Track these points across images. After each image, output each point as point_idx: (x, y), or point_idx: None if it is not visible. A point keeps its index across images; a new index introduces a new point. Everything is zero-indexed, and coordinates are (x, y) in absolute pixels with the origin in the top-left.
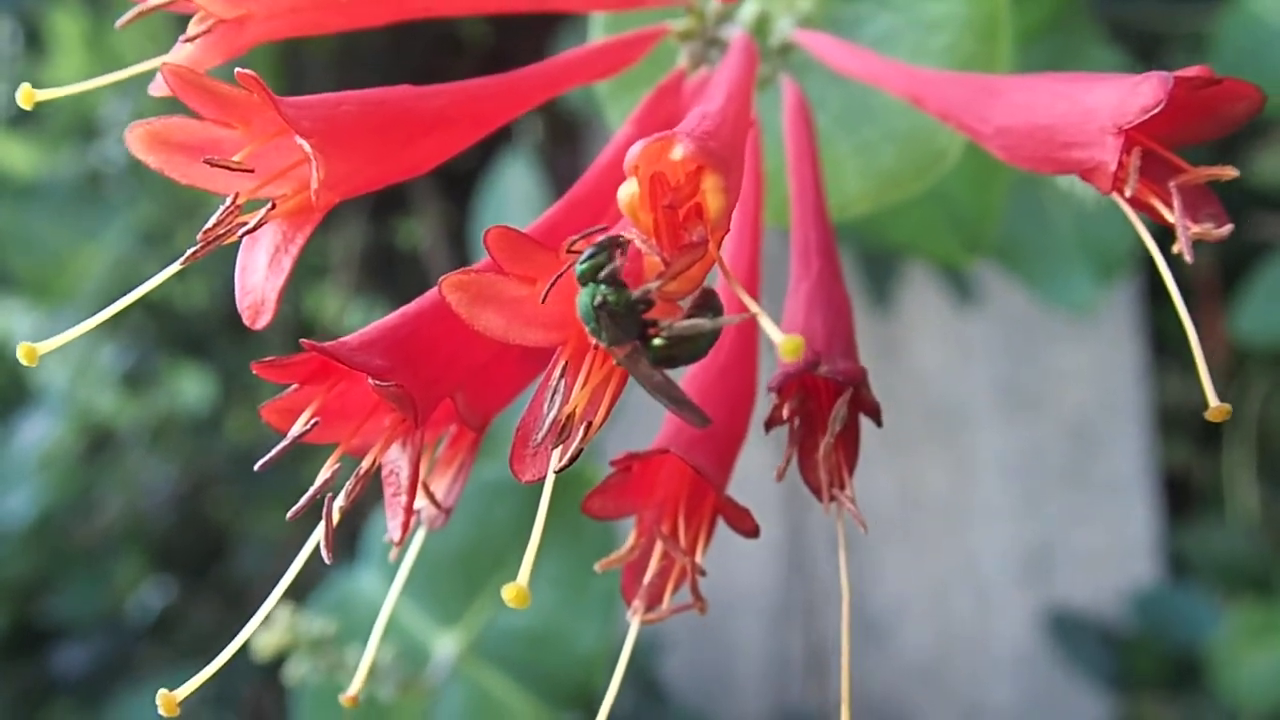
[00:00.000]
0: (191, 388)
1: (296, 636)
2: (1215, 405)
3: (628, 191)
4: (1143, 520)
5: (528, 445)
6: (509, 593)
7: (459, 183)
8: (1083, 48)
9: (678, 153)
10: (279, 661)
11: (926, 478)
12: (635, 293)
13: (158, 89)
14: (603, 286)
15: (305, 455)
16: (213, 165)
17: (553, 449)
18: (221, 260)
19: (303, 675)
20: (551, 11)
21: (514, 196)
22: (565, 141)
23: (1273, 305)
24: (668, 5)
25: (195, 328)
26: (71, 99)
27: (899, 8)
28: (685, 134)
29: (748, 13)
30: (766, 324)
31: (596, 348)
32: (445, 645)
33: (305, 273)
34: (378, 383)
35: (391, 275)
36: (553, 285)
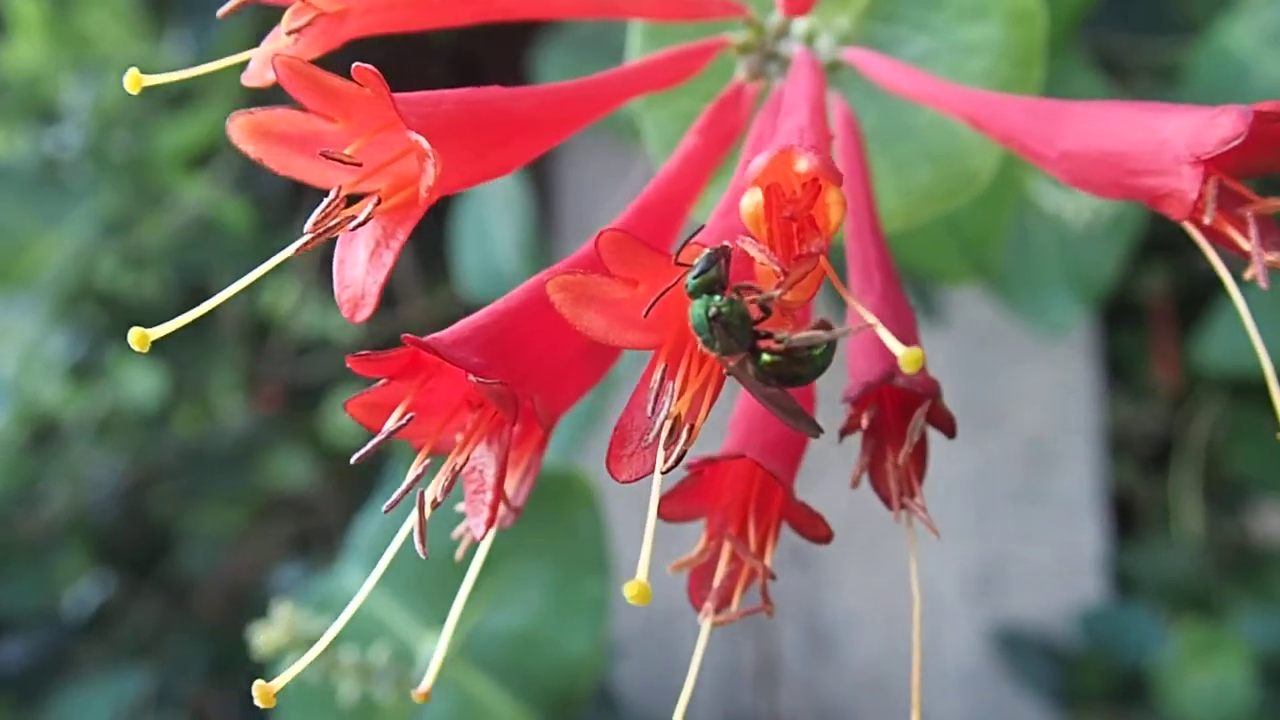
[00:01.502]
0: (140, 381)
1: (296, 636)
2: None
3: (752, 201)
4: (1091, 539)
5: (625, 446)
6: (631, 590)
7: None
8: (1071, 72)
9: (802, 165)
10: (221, 663)
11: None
12: (757, 299)
13: (252, 78)
14: (717, 298)
15: (256, 457)
16: (327, 158)
17: (660, 450)
18: (174, 252)
19: (300, 674)
20: (615, 16)
21: (495, 200)
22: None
23: (1237, 333)
24: (723, 18)
25: (146, 320)
26: (29, 82)
27: (936, 30)
28: (806, 148)
29: (800, 29)
30: (885, 335)
31: (693, 352)
32: (432, 648)
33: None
34: (480, 380)
35: None
36: (662, 295)
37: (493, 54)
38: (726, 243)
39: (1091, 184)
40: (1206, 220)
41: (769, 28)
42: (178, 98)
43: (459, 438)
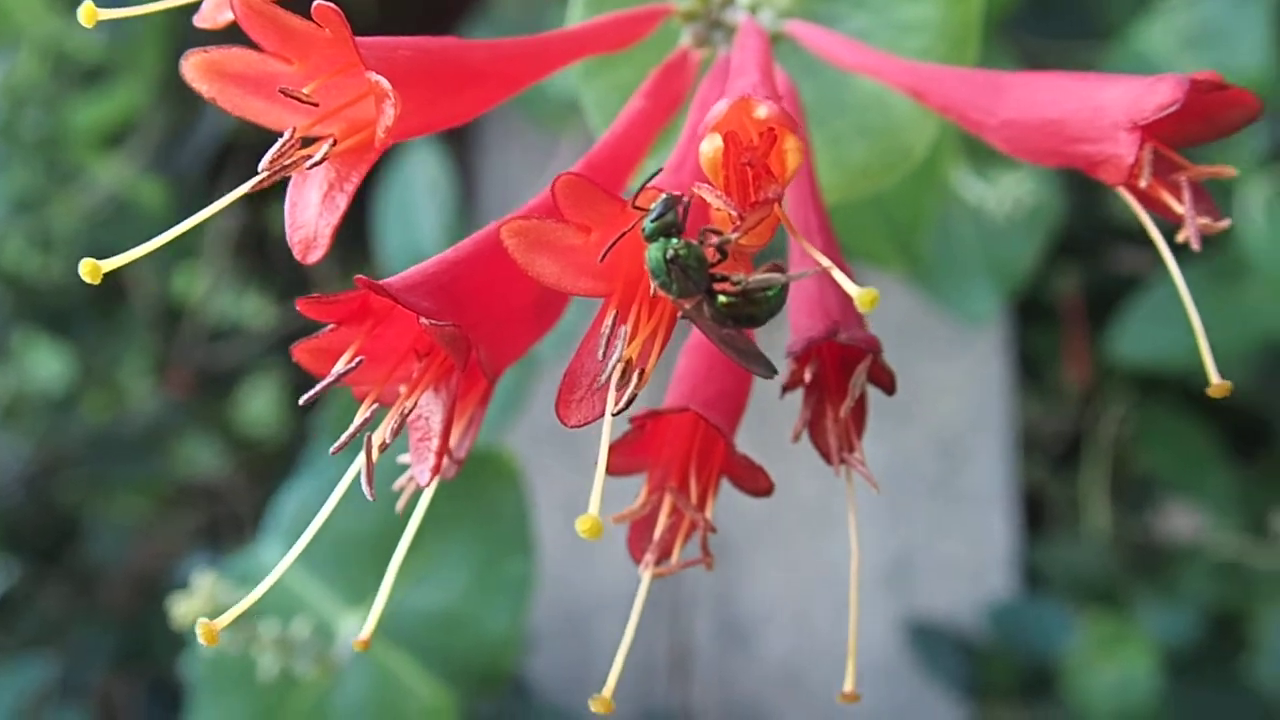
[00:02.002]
0: (47, 364)
1: (216, 607)
2: (1217, 383)
3: (712, 146)
4: (1001, 534)
5: (575, 392)
6: (583, 524)
7: None
8: (1002, 67)
9: (761, 112)
10: (127, 653)
11: (796, 484)
12: (714, 241)
13: (205, 19)
14: (674, 241)
15: (165, 444)
16: (285, 95)
17: (612, 391)
18: (86, 233)
19: (219, 646)
20: None
21: (419, 184)
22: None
23: (1150, 328)
24: None
25: (54, 303)
26: None
27: (874, 9)
28: (765, 97)
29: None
30: (840, 277)
31: (643, 299)
32: (351, 625)
33: (173, 253)
34: (433, 322)
35: (264, 259)
36: (617, 241)
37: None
38: (691, 189)
39: (1031, 151)
40: (1142, 184)
41: None
42: (91, 75)
43: (403, 389)
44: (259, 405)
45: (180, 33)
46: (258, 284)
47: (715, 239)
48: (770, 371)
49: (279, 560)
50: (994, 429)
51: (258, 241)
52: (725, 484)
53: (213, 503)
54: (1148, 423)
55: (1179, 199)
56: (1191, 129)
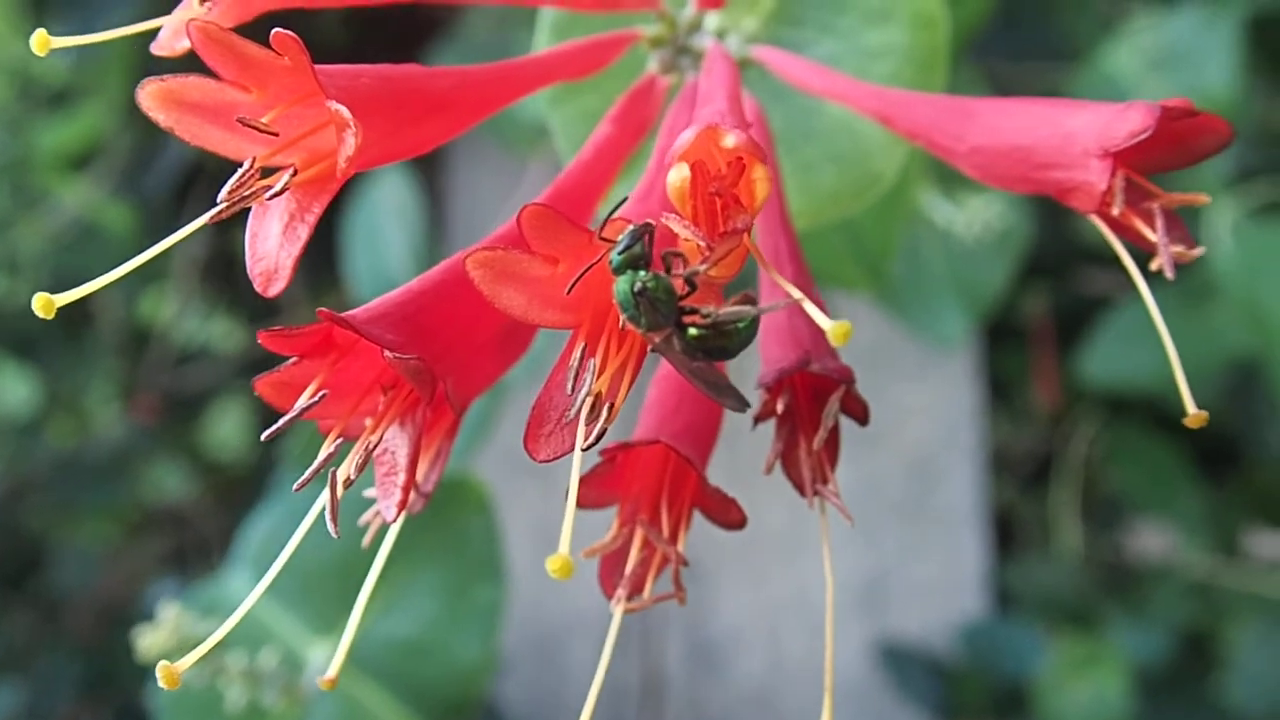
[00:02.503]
0: (13, 389)
1: (182, 639)
2: (1194, 413)
3: (679, 176)
4: (973, 555)
5: (544, 426)
6: (554, 564)
7: None
8: (960, 92)
9: (729, 141)
10: (94, 681)
11: (767, 507)
12: (683, 273)
13: (162, 46)
14: (642, 273)
15: (132, 469)
16: (244, 125)
17: (581, 426)
18: (52, 256)
19: (184, 678)
20: (531, 3)
21: (387, 208)
22: (427, 156)
23: (1119, 348)
24: (637, 9)
25: (20, 326)
26: None
27: (842, 34)
28: (732, 126)
29: (712, 25)
30: (811, 309)
31: (611, 331)
32: (320, 655)
33: (140, 277)
34: (397, 356)
35: (232, 282)
36: (585, 273)
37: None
38: (656, 220)
39: (1000, 178)
40: (1115, 211)
41: (681, 22)
42: (58, 98)
43: (368, 422)
44: (226, 429)
45: (147, 56)
46: (226, 307)
47: (683, 270)
48: (742, 405)
49: (246, 589)
50: (965, 450)
51: (226, 265)
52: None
53: (180, 528)
54: (1117, 443)
55: (1151, 226)
56: (1162, 155)
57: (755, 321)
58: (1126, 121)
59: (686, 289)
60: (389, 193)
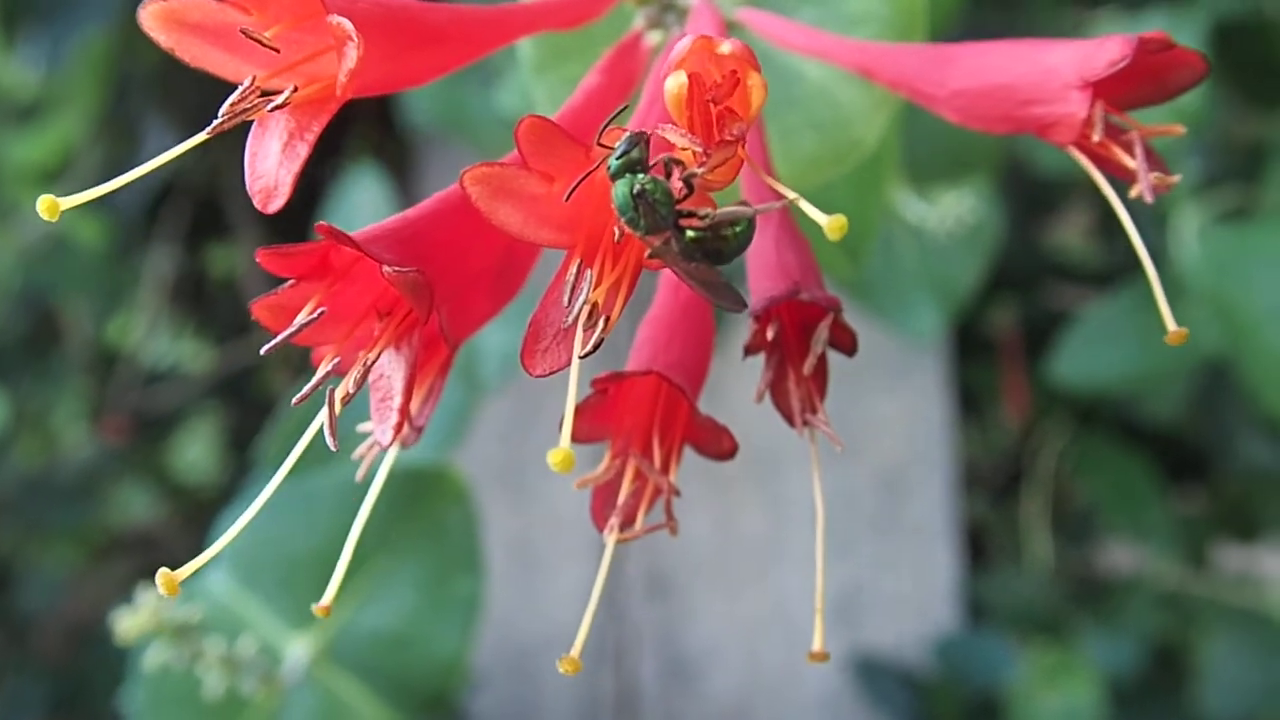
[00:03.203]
0: None
1: (161, 622)
2: (1174, 329)
3: (676, 83)
4: (945, 567)
5: (540, 341)
6: (555, 457)
7: (280, 210)
8: None
9: (725, 48)
10: (61, 704)
11: (741, 520)
12: (681, 175)
13: None
14: (640, 176)
15: (100, 490)
16: (248, 36)
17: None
18: (21, 272)
19: (163, 663)
20: None
21: (363, 210)
22: (399, 160)
23: (1089, 350)
24: None
25: None
26: None
27: (822, 2)
28: (726, 36)
29: None
30: (807, 207)
31: (606, 250)
32: (297, 648)
33: (108, 298)
34: (397, 270)
35: (201, 303)
36: (583, 180)
37: None
38: (656, 128)
39: (982, 118)
40: (1095, 138)
41: None
42: (28, 110)
43: (363, 354)
44: (196, 450)
45: (119, 76)
46: (195, 327)
47: (682, 172)
48: (740, 304)
49: (221, 582)
50: (936, 463)
51: (195, 284)
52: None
53: (148, 550)
54: (1086, 455)
55: (1131, 155)
56: (1140, 90)
57: (751, 223)
58: (1105, 51)
59: (684, 192)
60: (364, 193)
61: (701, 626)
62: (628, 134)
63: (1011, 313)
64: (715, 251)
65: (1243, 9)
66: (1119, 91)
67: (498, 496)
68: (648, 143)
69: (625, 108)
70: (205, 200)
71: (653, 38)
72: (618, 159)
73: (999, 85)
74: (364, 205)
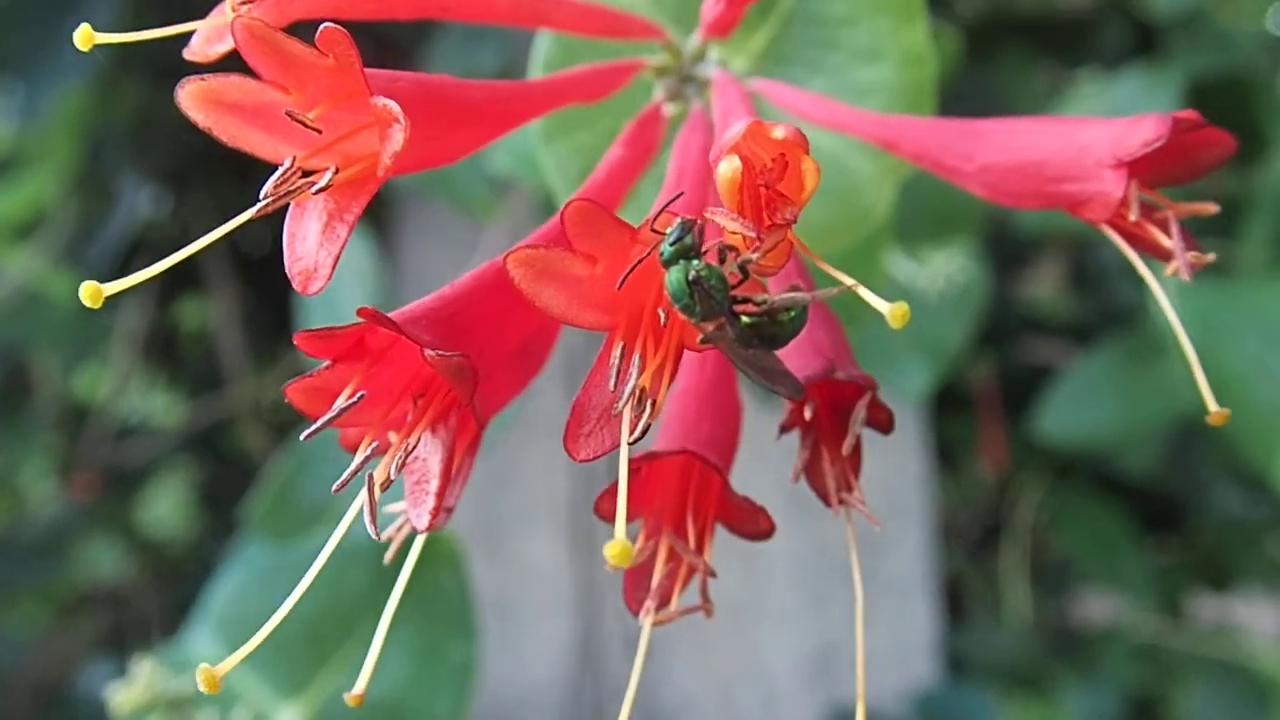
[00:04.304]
0: None
1: (156, 695)
2: (1215, 410)
3: (730, 167)
4: (924, 622)
5: (583, 425)
6: (613, 550)
7: (253, 264)
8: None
9: (778, 133)
10: None
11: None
12: (737, 262)
13: (195, 52)
14: (695, 262)
15: (63, 544)
16: (293, 118)
17: (626, 421)
18: None
19: None
20: (543, 26)
21: (346, 270)
22: (376, 216)
23: (1073, 406)
24: (643, 39)
25: None
26: None
27: (832, 72)
28: (775, 124)
29: (716, 54)
30: (866, 294)
31: (647, 332)
32: (287, 718)
33: (78, 351)
34: (441, 354)
35: (172, 357)
36: (636, 266)
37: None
38: (706, 214)
39: (1011, 194)
40: (1132, 218)
41: (686, 51)
42: (2, 165)
43: (393, 436)
44: (165, 506)
45: (94, 131)
46: (166, 381)
47: (737, 258)
48: (798, 391)
49: (209, 649)
50: (913, 518)
51: (167, 339)
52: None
53: (117, 608)
54: (1062, 508)
55: (1166, 234)
56: (1170, 169)
57: (806, 309)
58: (1139, 131)
59: (739, 278)
60: (348, 256)
61: (678, 681)
62: (680, 220)
63: (988, 366)
64: (770, 337)
65: (1216, 67)
66: (1150, 169)
67: (474, 553)
68: (702, 229)
69: (679, 195)
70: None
71: (670, 109)
72: (671, 245)
73: (1030, 162)
74: (347, 264)
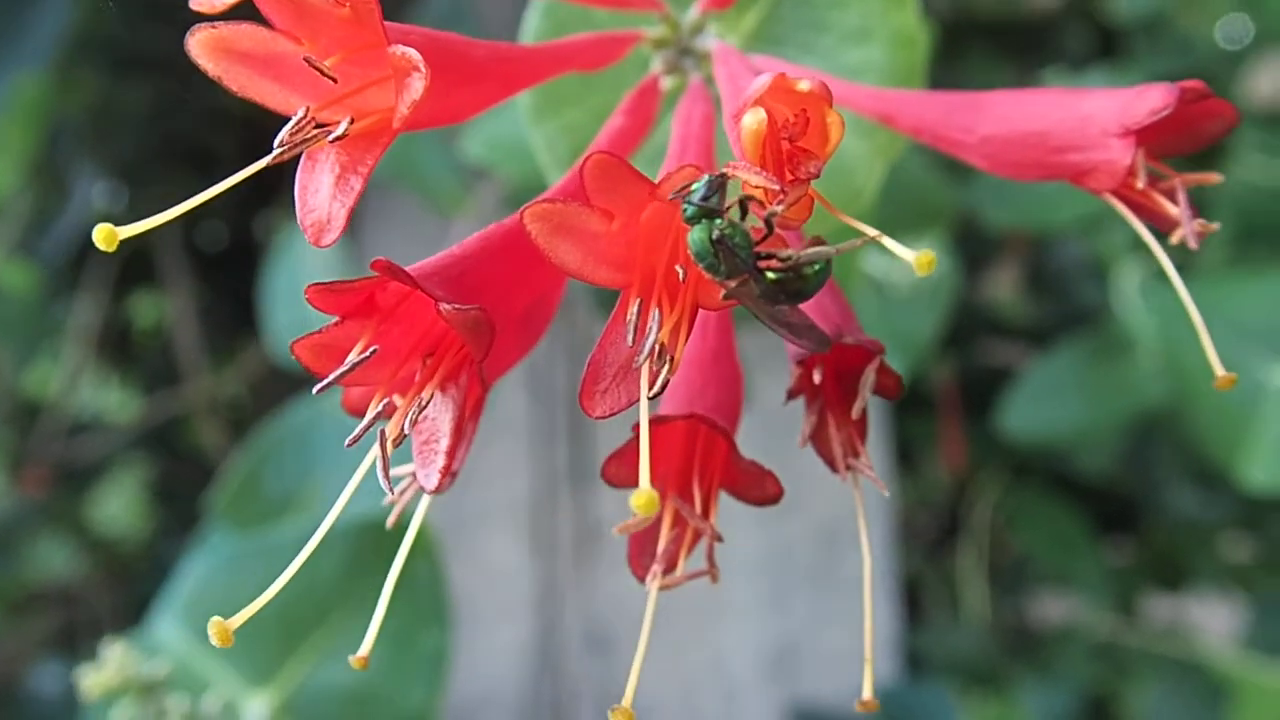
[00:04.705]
0: None
1: (127, 678)
2: (1222, 374)
3: (755, 120)
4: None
5: (600, 382)
6: (639, 499)
7: (210, 260)
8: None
9: (804, 85)
10: None
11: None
12: (764, 215)
13: (202, 1)
14: (719, 220)
15: (14, 542)
16: (310, 65)
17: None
18: None
19: None
20: None
21: (312, 260)
22: None
23: (1036, 404)
24: (641, 10)
25: None
26: None
27: (822, 53)
28: (800, 78)
29: (715, 28)
30: (890, 244)
31: (661, 291)
32: (256, 706)
33: (30, 345)
34: (457, 307)
35: (127, 353)
36: (645, 220)
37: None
38: (724, 171)
39: (1013, 166)
40: (1140, 185)
41: (684, 24)
42: None
43: (397, 399)
44: (118, 503)
45: (53, 121)
46: (121, 377)
47: (763, 212)
48: (825, 344)
49: (174, 637)
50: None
51: (121, 334)
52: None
53: (68, 606)
54: (1020, 508)
55: (1173, 202)
56: (1173, 139)
57: (829, 263)
58: (1146, 100)
59: (762, 234)
60: (312, 247)
61: (642, 680)
62: (706, 178)
63: (948, 366)
64: (796, 292)
65: (1180, 68)
66: (1154, 140)
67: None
68: (724, 184)
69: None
70: (134, 249)
71: (667, 83)
72: (698, 203)
73: (1032, 132)
74: (309, 255)
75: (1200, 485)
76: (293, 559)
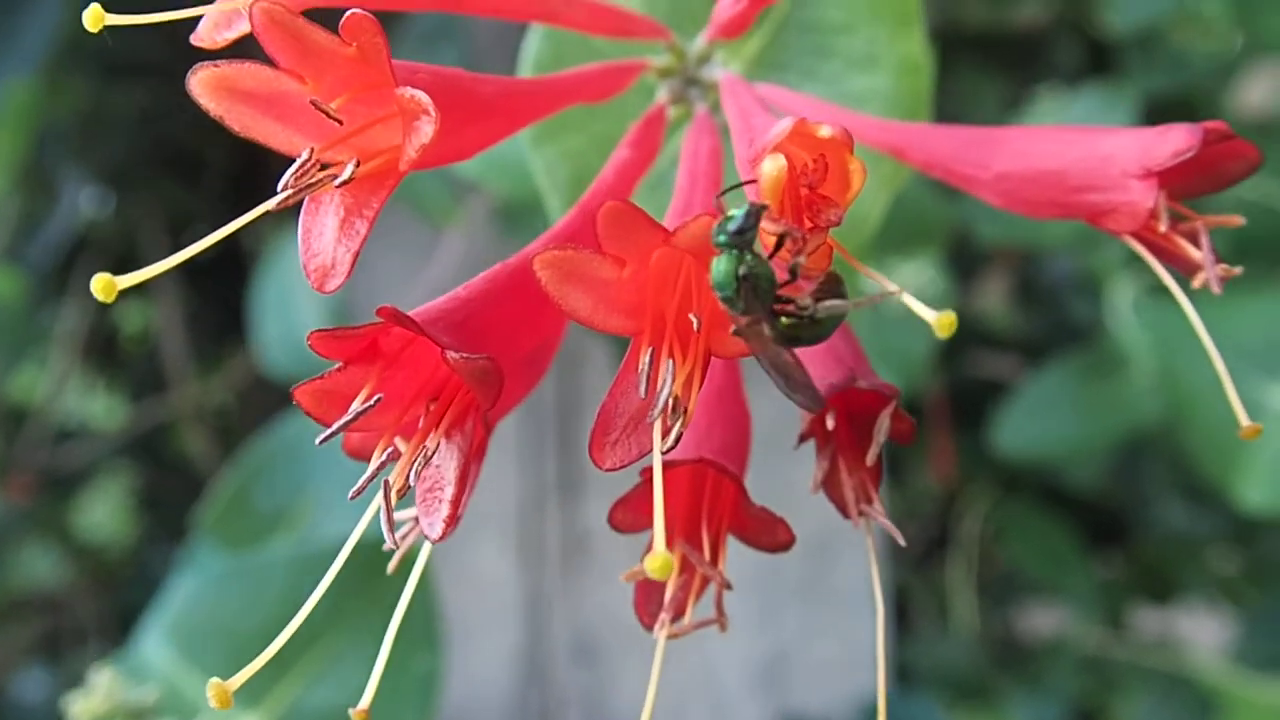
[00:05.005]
0: None
1: (115, 705)
2: (1247, 424)
3: (775, 166)
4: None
5: (609, 433)
6: (653, 562)
7: (197, 268)
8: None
9: (825, 131)
10: None
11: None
12: (790, 262)
13: (202, 38)
14: (749, 257)
15: (3, 554)
16: (316, 107)
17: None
18: None
19: None
20: (550, 22)
21: (301, 274)
22: None
23: (1029, 421)
24: (647, 39)
25: None
26: None
27: (826, 80)
28: (821, 123)
29: (721, 57)
30: (910, 301)
31: (671, 340)
32: None
33: (15, 351)
34: (465, 356)
35: (113, 359)
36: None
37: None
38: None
39: (1028, 204)
40: (1162, 228)
41: (690, 54)
42: None
43: (400, 443)
44: (103, 510)
45: (41, 126)
46: (107, 384)
47: (790, 259)
48: (819, 403)
49: (161, 656)
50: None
51: (107, 341)
52: None
53: (53, 614)
54: (1008, 521)
55: (1195, 245)
56: (1194, 181)
57: (842, 316)
58: (1169, 142)
59: (786, 278)
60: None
61: (629, 692)
62: (749, 207)
63: (938, 378)
64: (807, 339)
65: (1171, 85)
66: (1175, 181)
67: None
68: (760, 218)
69: (746, 183)
70: (120, 256)
71: (672, 113)
72: (732, 233)
73: (1049, 170)
74: (299, 267)
75: (1190, 500)
76: (281, 579)
